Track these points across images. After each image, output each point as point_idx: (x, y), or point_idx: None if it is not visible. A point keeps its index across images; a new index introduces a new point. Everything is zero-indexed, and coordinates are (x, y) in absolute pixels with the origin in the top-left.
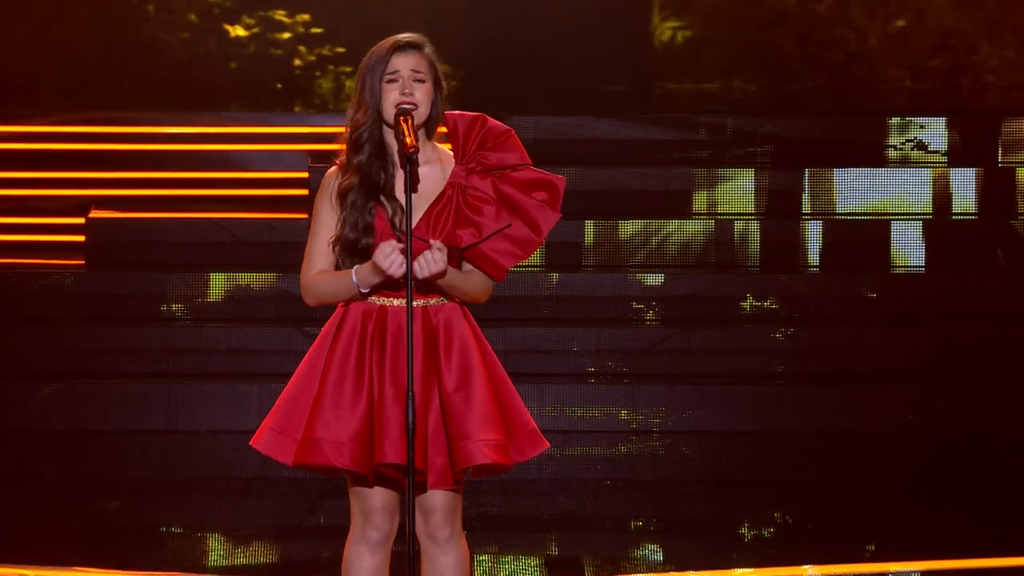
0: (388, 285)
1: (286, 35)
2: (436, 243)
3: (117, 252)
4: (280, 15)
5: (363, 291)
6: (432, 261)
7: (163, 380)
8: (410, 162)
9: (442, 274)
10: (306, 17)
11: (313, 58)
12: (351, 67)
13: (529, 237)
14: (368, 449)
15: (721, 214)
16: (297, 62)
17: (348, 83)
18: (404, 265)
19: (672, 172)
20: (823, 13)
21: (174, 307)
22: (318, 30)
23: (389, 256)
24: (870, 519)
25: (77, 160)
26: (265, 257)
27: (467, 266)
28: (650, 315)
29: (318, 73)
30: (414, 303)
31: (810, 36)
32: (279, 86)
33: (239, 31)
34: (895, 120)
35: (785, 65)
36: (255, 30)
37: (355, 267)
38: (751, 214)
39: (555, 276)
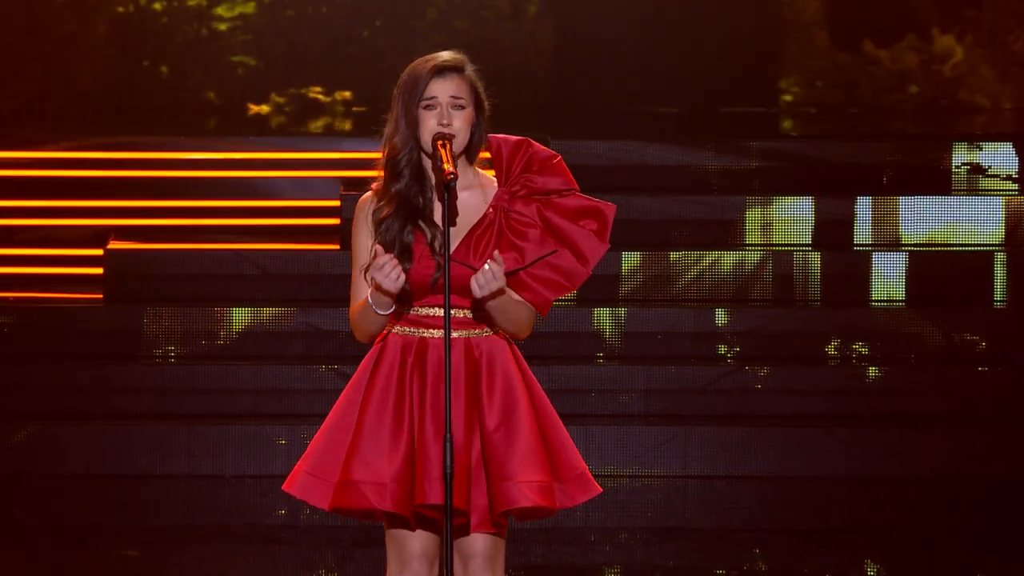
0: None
1: (322, 122)
2: (497, 256)
3: (136, 285)
4: (316, 92)
5: (380, 312)
6: (493, 277)
7: (185, 422)
8: (447, 190)
9: (500, 292)
10: (347, 95)
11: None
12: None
13: (575, 268)
14: (409, 490)
15: (778, 244)
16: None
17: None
18: (400, 278)
19: (727, 200)
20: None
21: (197, 344)
22: (360, 109)
23: (382, 270)
24: (940, 570)
25: (94, 187)
26: (294, 291)
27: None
28: (703, 353)
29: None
30: (455, 334)
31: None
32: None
33: (263, 109)
34: (962, 144)
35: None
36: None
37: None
38: (809, 245)
39: (602, 311)
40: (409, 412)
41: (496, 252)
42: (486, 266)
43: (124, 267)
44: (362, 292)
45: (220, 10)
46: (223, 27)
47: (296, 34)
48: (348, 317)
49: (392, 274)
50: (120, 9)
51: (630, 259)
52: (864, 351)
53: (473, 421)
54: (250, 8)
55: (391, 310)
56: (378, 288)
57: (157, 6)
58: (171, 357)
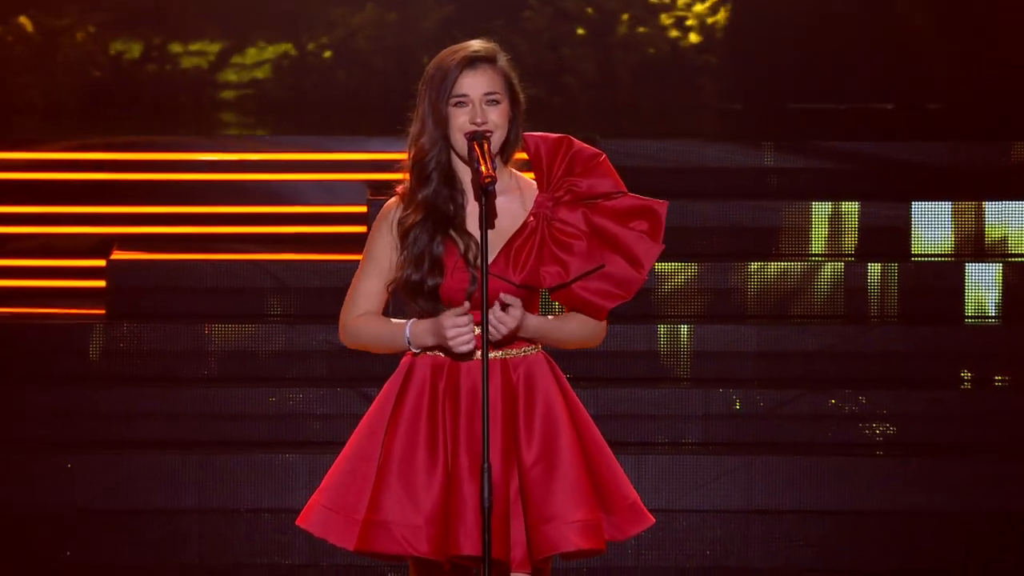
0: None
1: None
2: (508, 298)
3: (143, 300)
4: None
5: (414, 351)
6: (501, 322)
7: (196, 450)
8: (486, 194)
9: (517, 329)
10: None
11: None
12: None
13: (629, 274)
14: (444, 534)
15: (849, 255)
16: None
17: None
18: (471, 344)
19: (795, 206)
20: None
21: (209, 364)
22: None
23: (459, 330)
24: None
25: (95, 191)
26: (316, 306)
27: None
28: (768, 374)
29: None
30: (491, 355)
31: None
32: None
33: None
34: None
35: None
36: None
37: (411, 321)
38: (886, 255)
39: (655, 328)
40: (444, 444)
41: (500, 298)
42: (493, 312)
43: (129, 279)
44: (367, 301)
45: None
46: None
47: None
48: (340, 321)
49: (465, 338)
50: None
51: (686, 270)
52: (950, 373)
53: (510, 453)
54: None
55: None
56: (437, 334)
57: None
58: (180, 379)
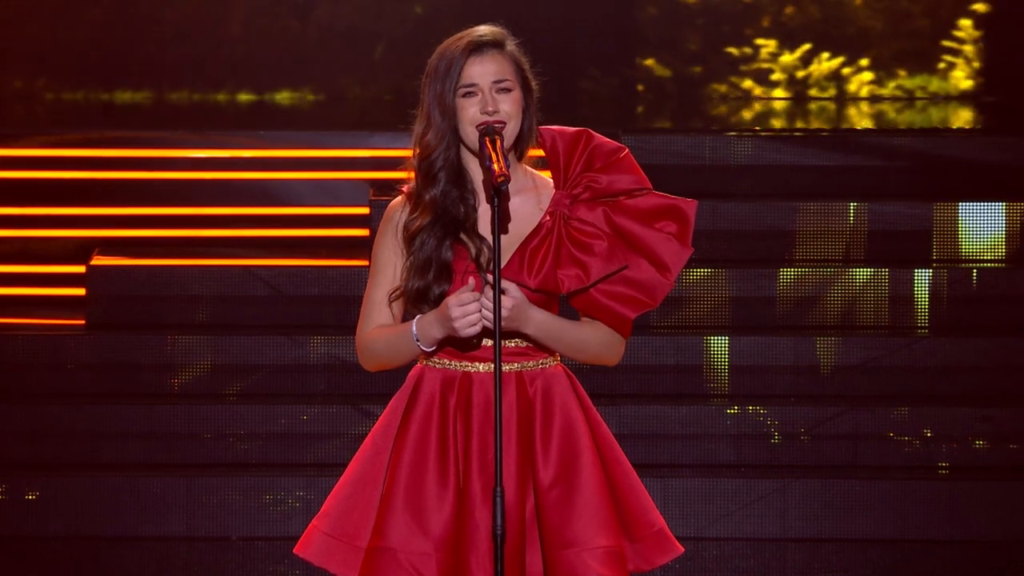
0: (462, 344)
1: None
2: (507, 284)
3: (126, 309)
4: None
5: (425, 349)
6: (505, 312)
7: (184, 472)
8: (499, 194)
9: (515, 318)
10: None
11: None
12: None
13: (655, 279)
14: (456, 561)
15: (895, 260)
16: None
17: None
18: (479, 325)
19: (833, 207)
20: None
21: (198, 380)
22: None
23: (465, 307)
24: None
25: (74, 191)
26: (314, 316)
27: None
28: (806, 390)
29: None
30: (505, 367)
31: None
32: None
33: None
34: None
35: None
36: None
37: (418, 316)
38: (933, 261)
39: (683, 340)
40: (455, 464)
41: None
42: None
43: (111, 287)
44: (380, 314)
45: None
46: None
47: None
48: (356, 340)
49: (471, 317)
50: None
51: (716, 277)
52: (1005, 388)
53: (526, 473)
54: None
55: (436, 349)
56: (443, 321)
57: None
58: (166, 395)
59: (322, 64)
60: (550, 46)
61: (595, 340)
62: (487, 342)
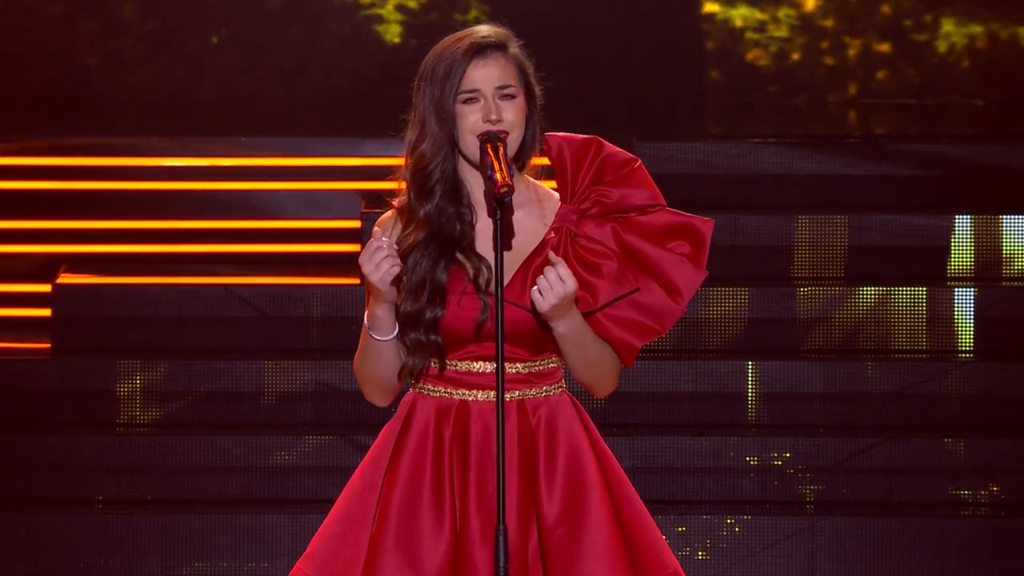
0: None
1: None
2: (554, 257)
3: (95, 332)
4: None
5: (376, 336)
6: (559, 279)
7: (159, 509)
8: (502, 206)
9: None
10: None
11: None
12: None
13: (666, 304)
14: None
15: (934, 278)
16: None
17: None
18: (390, 268)
19: (866, 220)
20: None
21: (174, 409)
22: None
23: (370, 254)
24: None
25: (39, 203)
26: (300, 339)
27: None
28: (835, 420)
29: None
30: (506, 396)
31: None
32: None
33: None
34: None
35: None
36: None
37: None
38: (972, 278)
39: (701, 365)
40: (451, 500)
41: (551, 253)
42: (548, 271)
43: (79, 307)
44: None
45: None
46: None
47: None
48: (353, 369)
49: (382, 263)
50: None
51: (737, 296)
52: None
53: (528, 510)
54: None
55: (392, 335)
56: (370, 289)
57: None
58: (140, 426)
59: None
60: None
61: (608, 359)
62: (485, 368)
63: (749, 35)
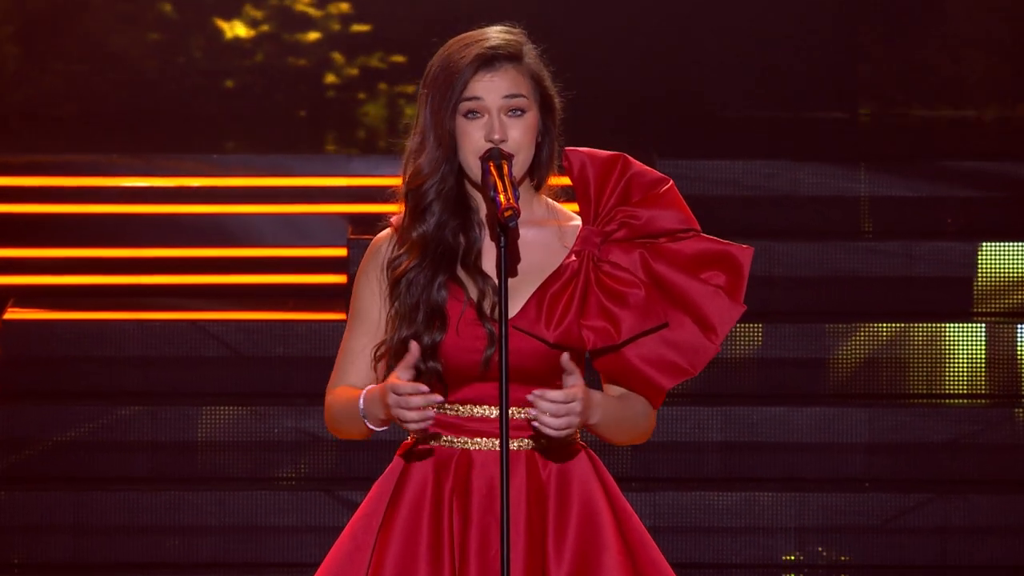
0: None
1: (313, 35)
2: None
3: (48, 374)
4: (304, 3)
5: (373, 427)
6: (568, 410)
7: (123, 573)
8: (505, 231)
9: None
10: (344, 7)
11: (355, 71)
12: (414, 86)
13: (699, 341)
14: None
15: (994, 313)
16: (330, 78)
17: (409, 111)
18: (423, 419)
19: (918, 247)
20: None
21: (137, 461)
22: (363, 27)
23: (397, 398)
24: None
25: None
26: (280, 382)
27: (616, 389)
28: (880, 473)
29: (363, 95)
30: (513, 444)
31: None
32: (302, 114)
33: (239, 29)
34: None
35: None
36: (264, 27)
37: (367, 388)
38: None
39: (732, 410)
40: (450, 561)
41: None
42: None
43: (28, 346)
44: (353, 369)
45: None
46: None
47: None
48: (325, 404)
49: (415, 415)
50: None
51: (773, 333)
52: None
53: (535, 574)
54: None
55: (384, 428)
56: (385, 405)
57: None
58: (98, 479)
59: None
60: None
61: (642, 415)
62: (490, 412)
63: None
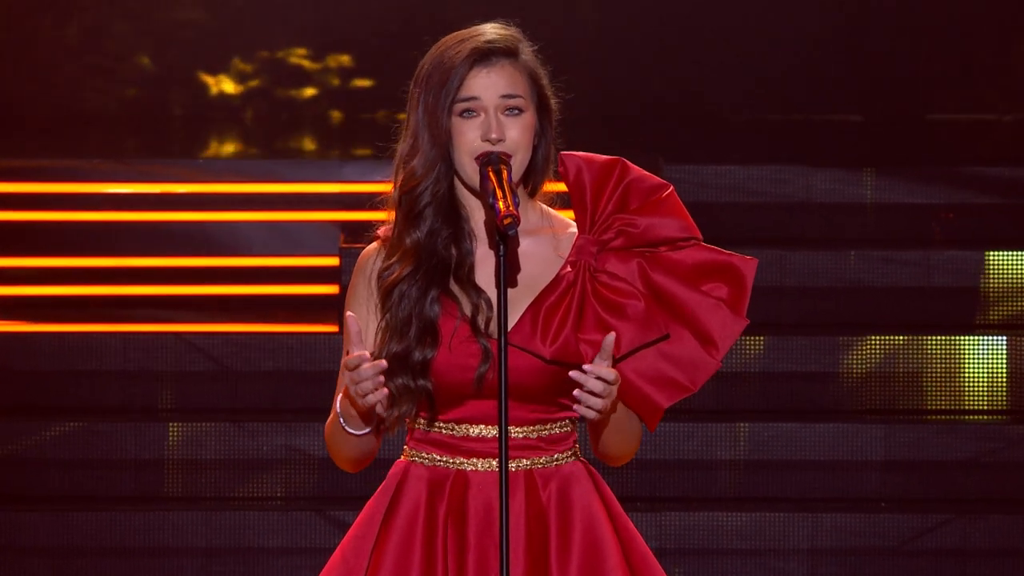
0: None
1: (310, 92)
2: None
3: (22, 390)
4: (299, 56)
5: (352, 431)
6: (608, 383)
7: None
8: (505, 240)
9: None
10: (345, 59)
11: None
12: None
13: (699, 357)
14: None
15: (1019, 326)
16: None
17: None
18: (378, 395)
19: (937, 256)
20: None
21: (120, 480)
22: (365, 83)
23: (358, 371)
24: None
25: None
26: (269, 398)
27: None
28: (896, 492)
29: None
30: (512, 464)
31: None
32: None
33: (226, 85)
34: None
35: None
36: (253, 83)
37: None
38: None
39: (740, 426)
40: None
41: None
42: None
43: (5, 360)
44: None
45: None
46: None
47: None
48: (324, 430)
49: (367, 382)
50: None
51: (783, 346)
52: None
53: None
54: None
55: (366, 431)
56: (348, 396)
57: None
58: (80, 499)
59: None
60: None
61: (635, 434)
62: (486, 432)
63: None
